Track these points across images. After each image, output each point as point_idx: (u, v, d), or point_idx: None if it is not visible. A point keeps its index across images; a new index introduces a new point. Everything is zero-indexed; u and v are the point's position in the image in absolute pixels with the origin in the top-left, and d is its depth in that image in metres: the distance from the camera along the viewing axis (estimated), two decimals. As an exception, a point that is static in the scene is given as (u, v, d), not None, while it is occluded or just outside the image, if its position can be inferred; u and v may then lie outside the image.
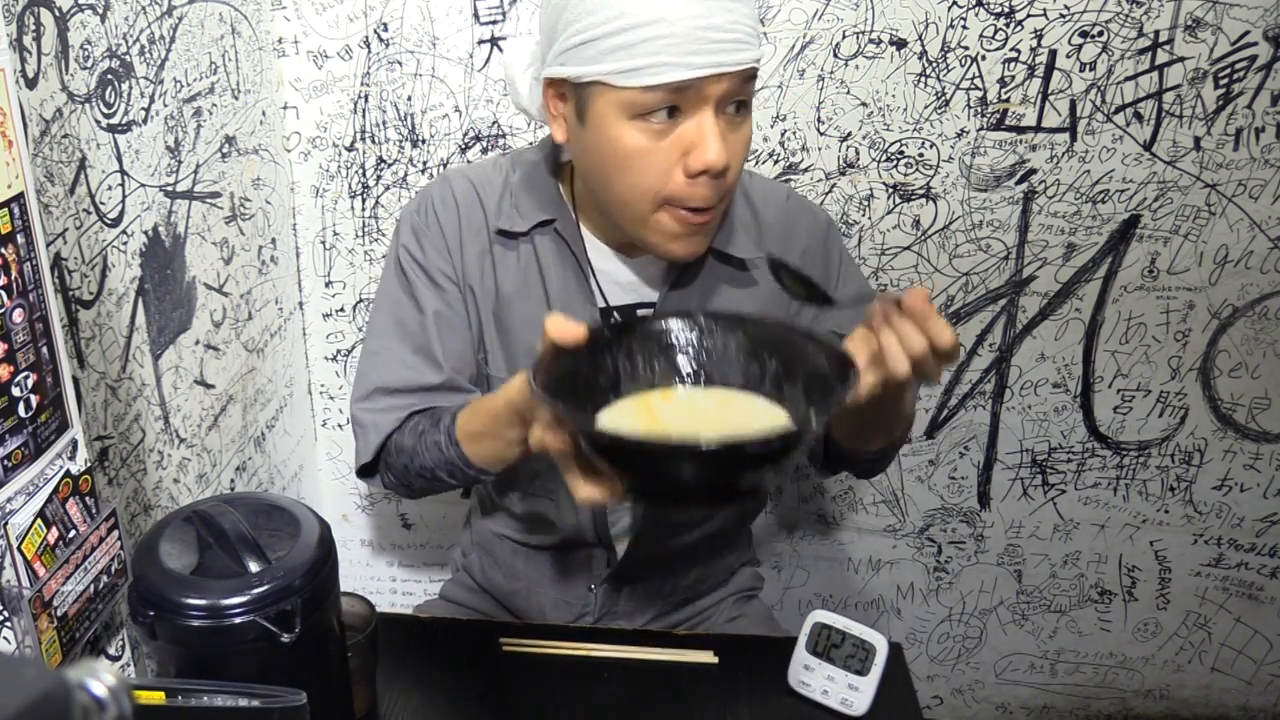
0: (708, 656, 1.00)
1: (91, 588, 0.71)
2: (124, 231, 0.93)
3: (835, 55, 1.30)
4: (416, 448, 0.96)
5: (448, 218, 1.00)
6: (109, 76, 0.89)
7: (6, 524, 0.63)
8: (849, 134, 1.35)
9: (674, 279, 0.99)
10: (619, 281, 1.00)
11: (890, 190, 1.39)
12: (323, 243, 1.47)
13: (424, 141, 1.39)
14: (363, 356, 1.04)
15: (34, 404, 0.64)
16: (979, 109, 1.33)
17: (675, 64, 0.79)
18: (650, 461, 0.62)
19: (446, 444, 0.92)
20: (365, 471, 1.05)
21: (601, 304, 1.00)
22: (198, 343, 1.12)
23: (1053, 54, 1.29)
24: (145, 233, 0.98)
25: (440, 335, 1.00)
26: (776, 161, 1.37)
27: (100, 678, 0.35)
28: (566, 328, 0.68)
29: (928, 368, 0.72)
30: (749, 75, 0.83)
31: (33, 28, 0.77)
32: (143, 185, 0.97)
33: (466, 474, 0.93)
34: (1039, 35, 1.28)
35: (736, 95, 0.83)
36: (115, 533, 0.74)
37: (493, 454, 0.89)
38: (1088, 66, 1.30)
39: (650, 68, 0.79)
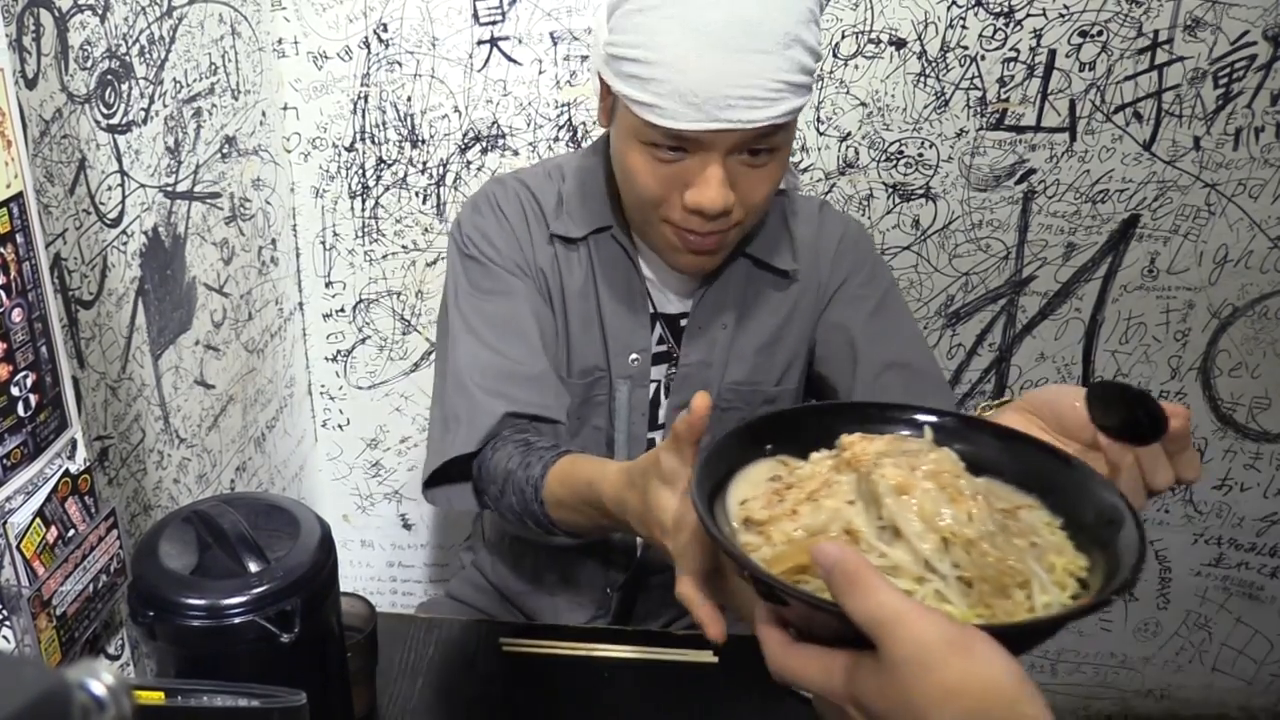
0: (708, 656, 1.00)
1: (90, 587, 0.71)
2: (124, 232, 0.93)
3: (835, 55, 1.31)
4: (506, 485, 0.86)
5: (514, 215, 0.98)
6: (109, 77, 0.89)
7: (5, 523, 0.63)
8: (849, 134, 1.35)
9: (711, 284, 0.98)
10: (667, 289, 1.00)
11: (890, 190, 1.39)
12: (323, 243, 1.47)
13: (424, 142, 1.39)
14: (447, 354, 0.97)
15: (33, 403, 0.64)
16: (978, 109, 1.33)
17: (680, 112, 0.78)
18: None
19: (532, 497, 0.83)
20: (439, 479, 0.94)
21: (651, 310, 1.00)
22: (198, 343, 1.12)
23: (1052, 54, 1.29)
24: (145, 233, 0.98)
25: (536, 320, 0.96)
26: (776, 161, 1.37)
27: (100, 677, 0.35)
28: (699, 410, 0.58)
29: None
30: (768, 130, 0.80)
31: (32, 28, 0.77)
32: (142, 186, 0.96)
33: (550, 532, 0.85)
34: (1038, 35, 1.28)
35: (752, 145, 0.82)
36: (114, 532, 0.74)
37: (578, 527, 0.82)
38: (1087, 66, 1.30)
39: (657, 108, 0.79)
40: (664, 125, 0.79)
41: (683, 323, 1.00)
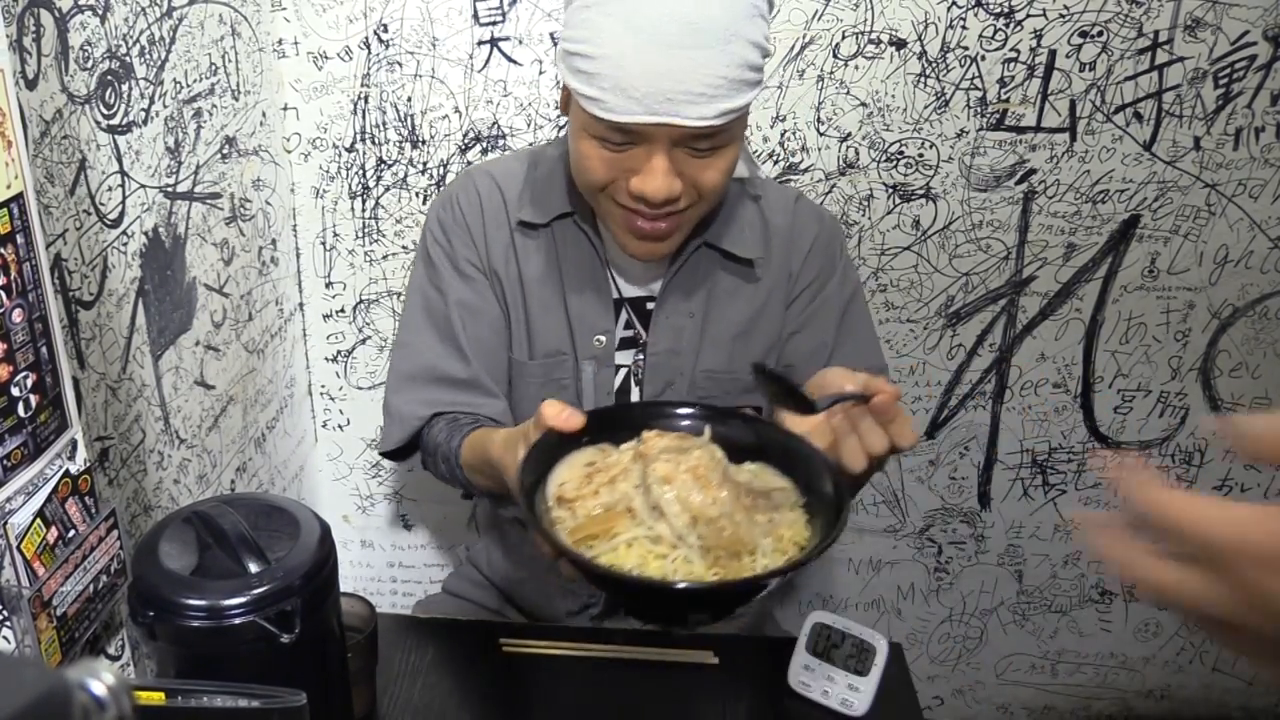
0: (708, 657, 1.00)
1: (91, 587, 0.71)
2: (124, 232, 0.93)
3: (835, 55, 1.31)
4: (437, 455, 1.00)
5: (471, 210, 1.03)
6: (109, 78, 0.89)
7: (6, 523, 0.63)
8: (849, 134, 1.35)
9: (674, 272, 1.01)
10: (630, 273, 1.03)
11: (890, 190, 1.39)
12: (323, 244, 1.47)
13: (424, 142, 1.39)
14: (394, 349, 1.08)
15: (33, 404, 0.64)
16: (979, 109, 1.33)
17: (622, 105, 0.80)
18: (628, 592, 0.65)
19: (455, 464, 0.96)
20: (392, 455, 1.08)
21: (615, 295, 1.03)
22: (198, 343, 1.12)
23: (1052, 54, 1.29)
24: (145, 234, 0.98)
25: (465, 324, 1.03)
26: (776, 162, 1.37)
27: (100, 677, 0.35)
28: (565, 416, 0.70)
29: (882, 463, 0.73)
30: (709, 130, 0.82)
31: (33, 29, 0.77)
32: (143, 186, 0.97)
33: (473, 493, 0.99)
34: (1038, 35, 1.28)
35: (696, 140, 0.84)
36: (115, 532, 0.74)
37: (486, 489, 0.95)
38: (1087, 66, 1.30)
39: (600, 101, 0.81)
40: (606, 118, 0.82)
41: (649, 306, 1.03)
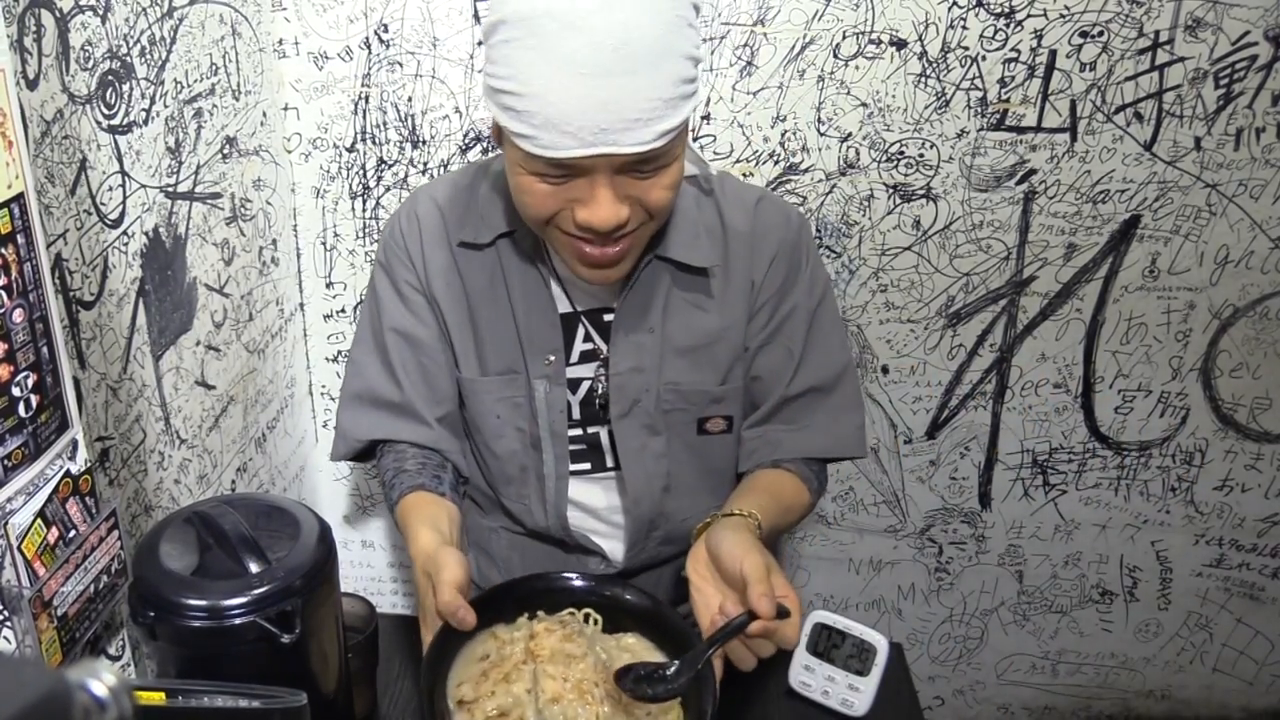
0: (708, 657, 1.00)
1: (91, 587, 0.71)
2: (125, 232, 0.93)
3: (835, 56, 1.31)
4: (385, 490, 1.03)
5: (411, 233, 1.02)
6: (109, 78, 0.89)
7: (7, 524, 0.63)
8: (849, 134, 1.35)
9: (629, 289, 0.98)
10: (583, 288, 0.99)
11: (891, 190, 1.39)
12: (323, 244, 1.47)
13: (425, 142, 1.39)
14: (346, 365, 1.10)
15: (34, 404, 0.64)
16: (979, 109, 1.33)
17: (556, 141, 0.78)
18: None
19: (392, 515, 1.00)
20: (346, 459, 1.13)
21: (567, 309, 1.00)
22: (198, 344, 1.12)
23: (1053, 54, 1.29)
24: (146, 234, 0.98)
25: (399, 349, 1.03)
26: (777, 162, 1.37)
27: (101, 678, 0.35)
28: (460, 616, 0.78)
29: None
30: (649, 153, 0.80)
31: (33, 29, 0.77)
32: (143, 186, 0.97)
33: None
34: (1039, 35, 1.28)
35: (639, 164, 0.81)
36: (115, 533, 0.74)
37: None
38: (1088, 66, 1.30)
39: (534, 138, 0.78)
40: (542, 155, 0.79)
41: (606, 318, 1.00)
